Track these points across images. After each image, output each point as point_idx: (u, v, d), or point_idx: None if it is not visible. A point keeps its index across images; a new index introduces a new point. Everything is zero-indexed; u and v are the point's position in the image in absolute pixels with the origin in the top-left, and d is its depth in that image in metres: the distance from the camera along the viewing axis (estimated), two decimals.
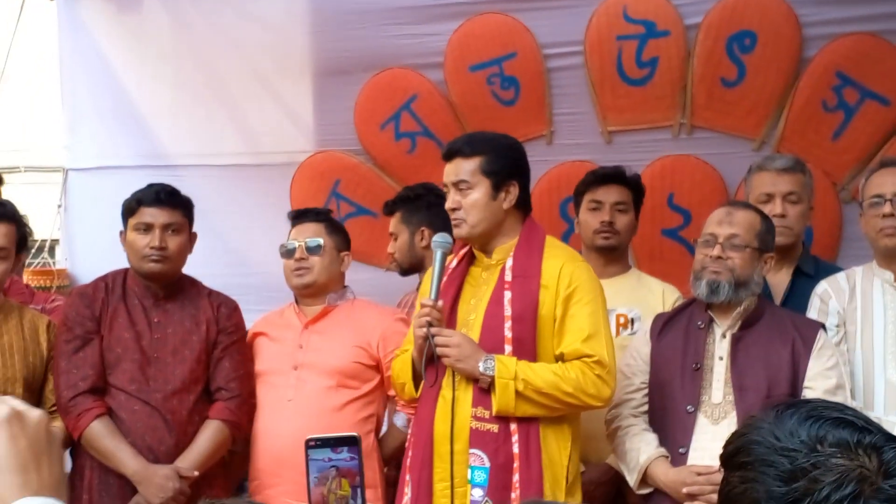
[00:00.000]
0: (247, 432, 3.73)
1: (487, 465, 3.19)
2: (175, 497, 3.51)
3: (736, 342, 3.37)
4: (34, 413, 1.38)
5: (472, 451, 3.21)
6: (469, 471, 3.20)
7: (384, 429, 3.93)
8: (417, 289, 4.15)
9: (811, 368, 3.31)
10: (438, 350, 3.23)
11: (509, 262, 3.31)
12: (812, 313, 3.58)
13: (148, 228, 3.66)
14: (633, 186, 4.09)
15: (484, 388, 3.22)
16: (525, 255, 3.32)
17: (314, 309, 3.85)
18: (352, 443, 1.66)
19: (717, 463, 3.22)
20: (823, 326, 3.44)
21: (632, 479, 3.43)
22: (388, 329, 3.78)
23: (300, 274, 3.81)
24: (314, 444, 1.66)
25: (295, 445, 3.58)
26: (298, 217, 3.97)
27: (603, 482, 3.77)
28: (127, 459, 3.53)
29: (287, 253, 3.85)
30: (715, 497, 3.16)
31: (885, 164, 3.67)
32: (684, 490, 3.27)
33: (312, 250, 3.82)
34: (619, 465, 3.72)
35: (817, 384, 3.28)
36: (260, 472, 3.72)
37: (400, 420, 3.84)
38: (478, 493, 3.18)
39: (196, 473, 3.55)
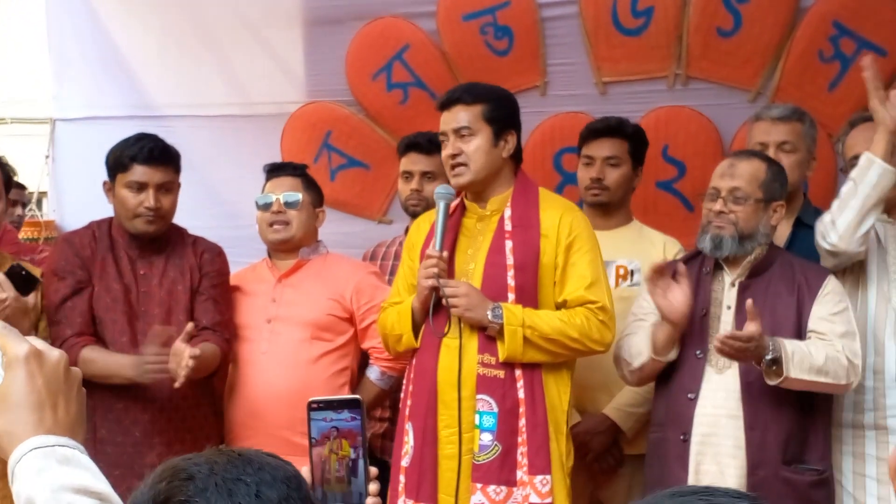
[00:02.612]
0: (227, 367, 3.72)
1: (496, 410, 3.25)
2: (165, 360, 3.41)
3: (742, 291, 3.36)
4: (54, 353, 1.39)
5: (479, 396, 3.26)
6: (477, 416, 3.26)
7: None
8: (398, 242, 4.14)
9: (814, 312, 3.29)
10: (448, 300, 3.26)
11: (507, 212, 3.36)
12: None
13: (141, 188, 3.61)
14: (632, 137, 4.04)
15: (490, 336, 3.27)
16: (523, 206, 3.38)
17: (287, 263, 3.84)
18: (354, 405, 1.65)
19: (719, 412, 3.26)
20: (833, 273, 3.41)
21: (645, 352, 3.37)
22: (362, 282, 3.79)
23: (277, 229, 3.80)
24: (316, 407, 1.64)
25: (269, 398, 3.63)
26: (274, 171, 3.95)
27: (600, 432, 3.79)
28: (123, 360, 3.50)
29: (264, 206, 3.82)
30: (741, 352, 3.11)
31: (853, 123, 3.66)
32: (718, 336, 3.20)
33: (290, 205, 3.80)
34: (616, 416, 3.74)
35: (823, 328, 3.26)
36: (235, 424, 3.74)
37: (374, 373, 3.84)
38: (487, 438, 3.24)
39: (198, 352, 3.39)
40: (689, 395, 3.34)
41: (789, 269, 3.38)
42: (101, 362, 3.51)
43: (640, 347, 3.40)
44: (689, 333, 3.38)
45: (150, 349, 3.48)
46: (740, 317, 3.31)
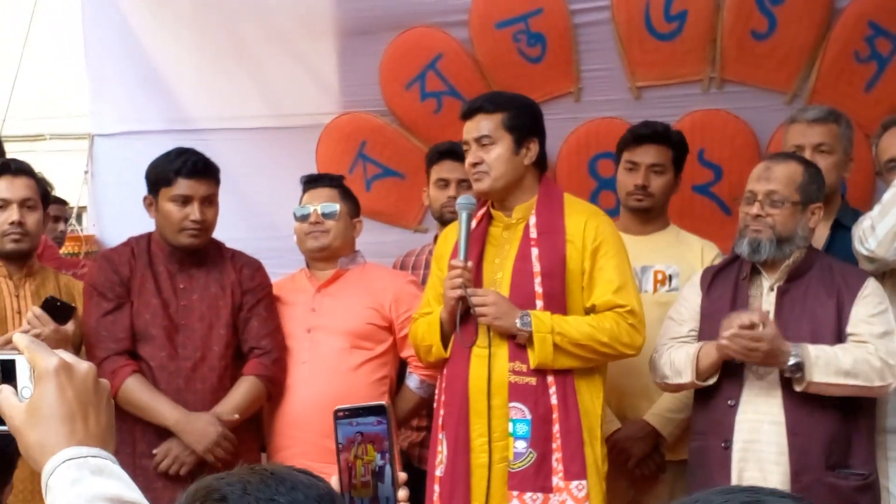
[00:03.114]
0: (282, 387, 3.72)
1: (529, 417, 3.25)
2: (219, 442, 3.51)
3: (781, 295, 3.34)
4: (83, 365, 1.40)
5: (512, 404, 3.26)
6: (510, 424, 3.26)
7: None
8: (428, 251, 4.15)
9: (854, 314, 3.26)
10: (476, 309, 3.27)
11: (532, 220, 3.38)
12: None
13: (186, 201, 3.64)
14: (675, 144, 4.02)
15: (520, 344, 3.27)
16: (547, 212, 3.39)
17: (326, 273, 3.86)
18: (379, 411, 1.64)
19: (761, 417, 3.22)
20: (872, 275, 3.37)
21: (688, 374, 3.35)
22: (400, 291, 3.80)
23: (316, 236, 3.81)
24: (342, 415, 1.64)
25: (310, 407, 3.64)
26: (312, 182, 3.97)
27: (640, 438, 3.76)
28: (166, 410, 3.53)
29: (302, 217, 3.85)
30: (750, 351, 3.11)
31: (886, 125, 3.63)
32: (724, 334, 3.21)
33: (328, 215, 3.82)
34: (656, 422, 3.72)
35: (860, 329, 3.24)
36: (276, 434, 3.75)
37: (413, 382, 3.84)
38: (521, 445, 3.24)
39: (237, 417, 3.54)
40: (730, 402, 3.32)
41: (828, 272, 3.35)
42: (145, 396, 3.54)
43: (681, 366, 3.37)
44: None
45: (204, 424, 3.52)
46: (780, 321, 3.28)
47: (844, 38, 4.61)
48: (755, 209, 3.33)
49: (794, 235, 3.33)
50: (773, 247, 3.31)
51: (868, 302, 3.28)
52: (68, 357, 1.40)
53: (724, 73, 4.77)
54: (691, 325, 3.47)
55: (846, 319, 3.27)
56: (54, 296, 3.50)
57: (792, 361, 3.16)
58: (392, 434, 1.64)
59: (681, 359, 3.38)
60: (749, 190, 3.39)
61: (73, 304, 3.54)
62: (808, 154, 3.68)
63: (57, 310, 3.43)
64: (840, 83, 4.64)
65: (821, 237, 3.73)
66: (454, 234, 3.50)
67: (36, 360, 1.38)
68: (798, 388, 3.19)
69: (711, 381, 3.35)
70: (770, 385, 3.29)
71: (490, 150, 3.37)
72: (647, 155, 3.95)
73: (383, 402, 1.68)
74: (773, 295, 3.36)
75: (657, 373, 3.48)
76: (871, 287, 3.30)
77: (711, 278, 3.50)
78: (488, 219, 3.47)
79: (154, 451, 3.54)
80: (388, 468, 1.62)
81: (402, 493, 1.66)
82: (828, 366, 3.14)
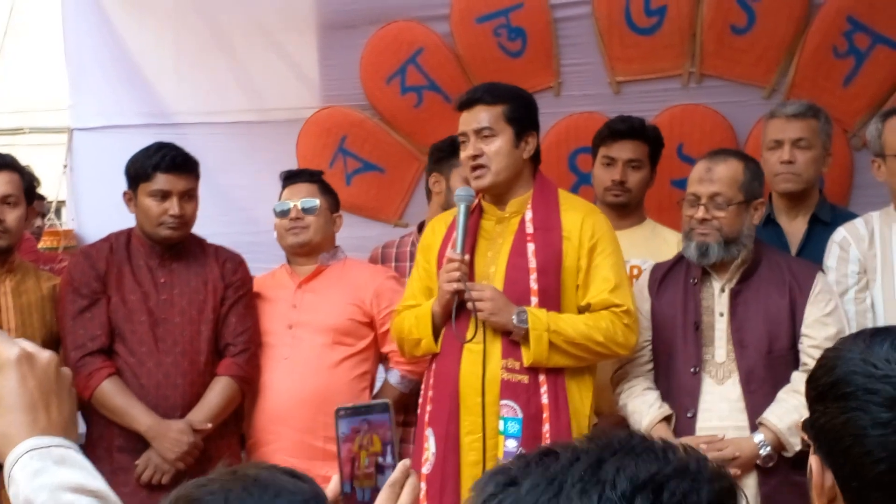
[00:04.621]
0: (256, 386, 3.73)
1: (520, 416, 3.21)
2: (190, 451, 3.52)
3: (734, 297, 3.34)
4: (44, 354, 1.40)
5: (503, 402, 3.22)
6: (501, 422, 3.22)
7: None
8: (410, 242, 4.13)
9: (808, 315, 3.27)
10: (474, 304, 3.21)
11: (528, 215, 3.33)
12: (831, 261, 3.51)
13: (165, 196, 3.64)
14: (651, 140, 4.03)
15: (514, 341, 3.24)
16: (543, 207, 3.34)
17: (307, 269, 3.86)
18: (382, 409, 1.63)
19: (724, 423, 3.23)
20: (822, 269, 3.39)
21: (642, 425, 3.41)
22: (381, 286, 3.80)
23: (296, 232, 3.81)
24: (344, 414, 1.63)
25: (291, 403, 3.65)
26: (291, 178, 3.97)
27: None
28: (140, 416, 3.54)
29: (282, 213, 3.85)
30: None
31: (887, 115, 3.61)
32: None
33: (308, 211, 3.82)
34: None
35: (815, 332, 3.25)
36: (256, 429, 3.75)
37: (394, 377, 3.85)
38: (512, 444, 3.21)
39: (210, 426, 3.56)
40: (688, 414, 3.32)
41: (777, 269, 3.35)
42: (120, 401, 3.55)
43: (639, 416, 3.38)
44: (683, 348, 3.36)
45: (176, 433, 3.52)
46: (734, 323, 3.30)
47: (823, 33, 4.63)
48: (700, 212, 3.32)
49: (741, 235, 3.32)
50: (721, 249, 3.30)
51: (820, 300, 3.29)
52: (29, 346, 1.40)
53: (703, 67, 4.78)
54: (644, 335, 3.46)
55: (800, 318, 3.28)
56: None
57: (764, 453, 3.19)
58: (394, 430, 1.63)
59: (635, 420, 3.39)
60: (691, 192, 3.37)
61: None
62: (786, 149, 3.69)
63: None
64: (818, 78, 4.65)
65: (799, 232, 3.76)
66: (442, 224, 3.48)
67: None
68: (789, 454, 3.21)
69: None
70: (730, 389, 3.29)
71: (491, 142, 3.30)
72: (623, 150, 3.96)
73: (387, 401, 1.67)
74: (726, 296, 3.36)
75: (617, 402, 3.51)
76: (821, 283, 3.32)
77: (660, 281, 3.49)
78: (479, 211, 3.41)
79: (136, 463, 3.55)
80: (389, 459, 1.61)
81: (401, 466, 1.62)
82: (792, 426, 3.12)
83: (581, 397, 3.29)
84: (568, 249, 3.29)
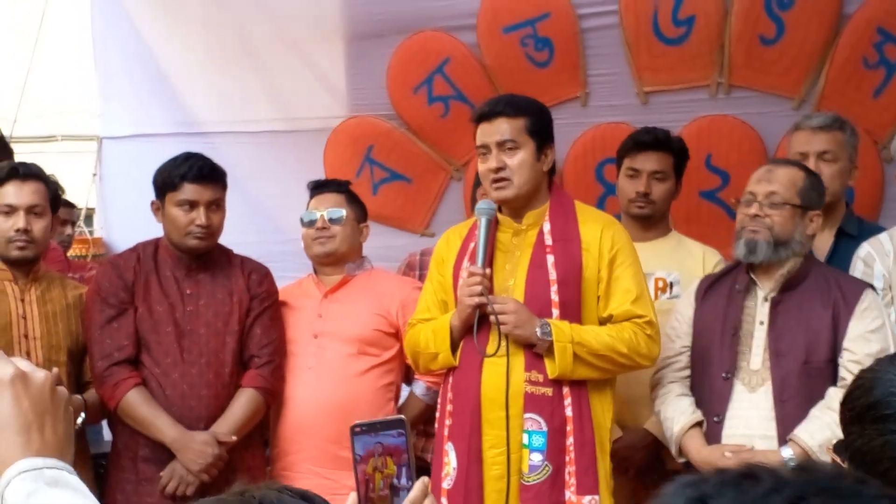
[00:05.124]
0: (281, 398, 3.74)
1: (545, 428, 3.20)
2: (214, 463, 3.53)
3: (775, 305, 3.30)
4: (39, 374, 1.39)
5: (527, 415, 3.20)
6: (526, 435, 3.20)
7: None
8: (421, 253, 4.13)
9: (851, 330, 3.21)
10: (498, 317, 3.19)
11: (547, 227, 3.31)
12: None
13: (192, 206, 3.65)
14: (676, 151, 4.01)
15: (537, 353, 3.22)
16: (561, 219, 3.33)
17: (333, 279, 3.87)
18: (398, 425, 1.63)
19: (752, 432, 3.20)
20: (872, 286, 3.34)
21: (672, 449, 3.42)
22: (407, 297, 3.79)
23: (322, 242, 3.82)
24: (360, 431, 1.62)
25: (315, 413, 3.65)
26: (318, 188, 3.98)
27: (641, 447, 3.75)
28: (165, 427, 3.54)
29: (308, 223, 3.86)
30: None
31: None
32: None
33: (335, 221, 3.83)
34: (657, 431, 3.71)
35: (858, 347, 3.18)
36: (281, 438, 3.75)
37: (419, 388, 3.85)
38: (537, 458, 3.19)
39: (234, 439, 3.57)
40: (715, 419, 3.30)
41: (825, 283, 3.30)
42: (145, 411, 3.55)
43: (671, 422, 3.38)
44: (719, 353, 3.34)
45: (200, 444, 3.54)
46: (773, 333, 3.26)
47: (853, 44, 4.59)
48: (754, 209, 3.30)
49: (792, 240, 3.29)
50: (769, 249, 3.27)
51: (866, 316, 3.23)
52: (25, 366, 1.38)
53: (731, 78, 4.75)
54: (684, 340, 3.46)
55: (843, 333, 3.23)
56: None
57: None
58: (410, 448, 1.62)
59: (668, 426, 3.39)
60: (749, 191, 3.35)
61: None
62: (811, 162, 3.66)
63: None
64: (848, 89, 4.61)
65: (825, 245, 3.72)
66: (457, 237, 3.47)
67: None
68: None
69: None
70: (761, 398, 3.26)
71: (514, 154, 3.28)
72: (648, 162, 3.94)
73: (402, 417, 1.66)
74: (767, 305, 3.32)
75: (654, 408, 3.50)
76: (868, 299, 3.26)
77: (706, 288, 3.47)
78: (495, 224, 3.38)
79: (161, 474, 3.56)
80: (405, 481, 1.60)
81: (428, 501, 1.62)
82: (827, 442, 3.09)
83: (603, 410, 3.28)
84: (588, 261, 3.28)
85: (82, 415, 3.45)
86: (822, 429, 3.10)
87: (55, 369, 1.52)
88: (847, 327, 3.22)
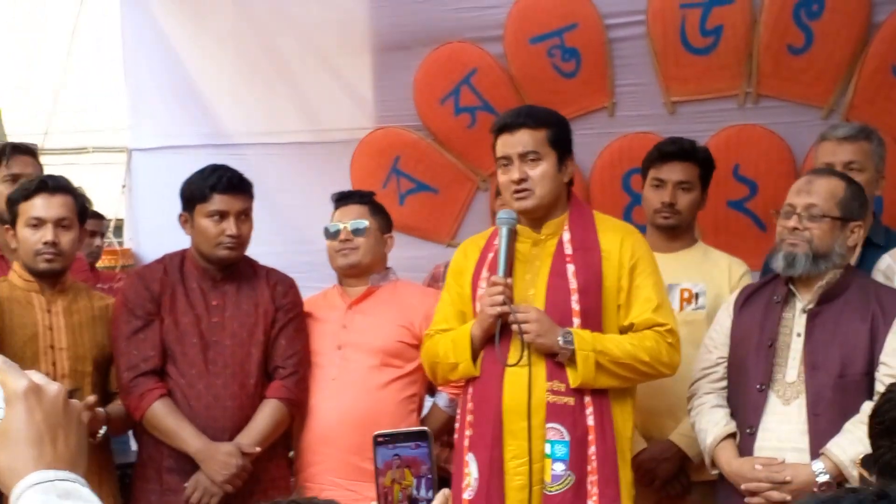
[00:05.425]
0: (305, 409, 3.74)
1: (567, 438, 3.18)
2: (238, 474, 3.54)
3: (813, 318, 3.25)
4: (52, 387, 1.39)
5: (549, 425, 3.19)
6: (548, 445, 3.18)
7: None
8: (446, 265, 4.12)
9: (889, 344, 3.15)
10: (520, 326, 3.19)
11: (566, 236, 3.32)
12: None
13: (223, 216, 3.66)
14: (702, 161, 3.98)
15: (558, 363, 3.21)
16: (581, 228, 3.33)
17: (357, 290, 3.87)
18: (420, 437, 1.62)
19: (784, 445, 3.17)
20: None
21: (706, 460, 3.39)
22: (431, 309, 3.75)
23: (345, 254, 3.83)
24: (382, 441, 1.62)
25: (338, 424, 3.65)
26: (342, 199, 3.99)
27: (665, 458, 3.72)
28: (189, 438, 3.56)
29: (332, 235, 3.87)
30: (775, 494, 3.12)
31: None
32: (743, 487, 3.21)
33: (358, 232, 3.83)
34: (682, 442, 3.68)
35: (893, 361, 3.14)
36: (304, 449, 3.75)
37: (442, 400, 3.84)
38: (559, 468, 3.17)
39: (258, 450, 3.57)
40: (748, 430, 3.27)
41: (864, 295, 3.24)
42: (170, 422, 3.57)
43: (705, 434, 3.36)
44: (755, 364, 3.30)
45: (224, 455, 3.54)
46: (810, 345, 3.22)
47: (882, 53, 4.55)
48: (793, 222, 3.25)
49: (832, 252, 3.23)
50: (808, 262, 3.22)
51: None
52: (39, 378, 1.39)
53: (759, 87, 4.72)
54: (721, 351, 3.42)
55: (880, 347, 3.17)
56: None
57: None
58: (432, 460, 1.62)
59: (702, 438, 3.37)
60: (788, 203, 3.31)
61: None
62: None
63: None
64: (878, 98, 4.58)
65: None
66: (475, 249, 3.46)
67: (6, 381, 1.37)
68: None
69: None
70: (794, 411, 3.21)
71: (536, 166, 3.29)
72: (673, 172, 3.91)
73: (425, 429, 1.66)
74: (805, 317, 3.28)
75: (689, 418, 3.48)
76: None
77: (745, 299, 3.43)
78: (514, 234, 3.38)
79: (185, 485, 3.57)
80: (424, 492, 1.60)
81: (441, 497, 1.61)
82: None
83: (624, 419, 3.27)
84: (608, 270, 3.28)
85: (104, 427, 3.49)
86: (854, 443, 3.05)
87: (60, 370, 1.52)
88: (885, 341, 3.17)
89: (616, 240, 3.31)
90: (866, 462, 1.44)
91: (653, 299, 3.28)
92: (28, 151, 4.20)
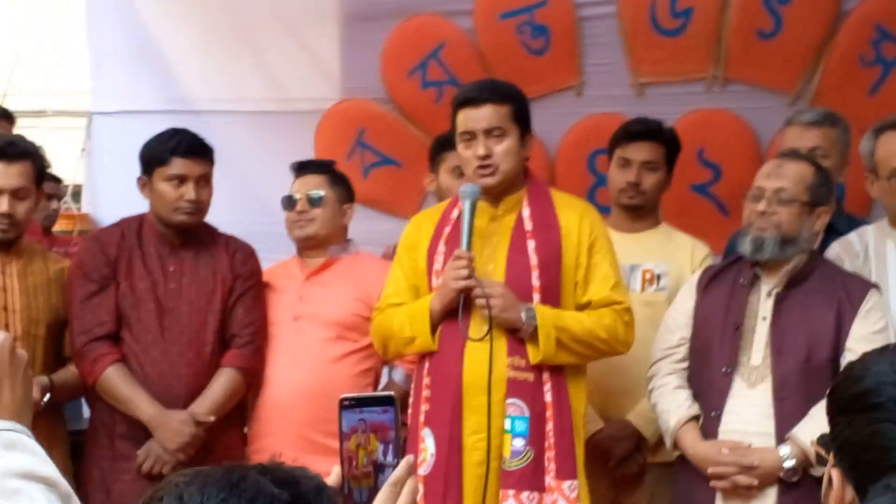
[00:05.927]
0: (261, 377, 3.71)
1: (527, 414, 3.18)
2: (191, 442, 3.50)
3: (779, 302, 3.25)
4: None
5: (510, 400, 3.19)
6: (508, 420, 3.18)
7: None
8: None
9: (855, 330, 3.17)
10: (487, 301, 3.16)
11: (526, 212, 3.31)
12: None
13: (182, 180, 3.61)
14: (668, 142, 3.98)
15: (519, 338, 3.21)
16: (539, 205, 3.33)
17: (316, 261, 3.82)
18: (387, 402, 1.60)
19: (749, 429, 3.18)
20: (877, 286, 3.28)
21: (667, 442, 3.39)
22: None
23: (301, 225, 3.79)
24: (348, 405, 1.60)
25: (291, 396, 3.61)
26: (301, 169, 3.94)
27: (622, 438, 3.72)
28: (143, 405, 3.52)
29: (289, 205, 3.83)
30: (742, 478, 3.12)
31: (883, 128, 3.51)
32: (710, 471, 3.22)
33: (314, 202, 3.79)
34: (639, 422, 3.69)
35: (861, 348, 3.11)
36: (257, 420, 3.72)
37: (398, 375, 3.80)
38: (519, 443, 3.17)
39: (212, 419, 3.54)
40: (712, 413, 3.27)
41: (829, 281, 3.25)
42: (123, 389, 3.53)
43: (667, 416, 3.36)
44: (719, 348, 3.29)
45: (178, 424, 3.51)
46: (776, 329, 3.22)
47: (850, 41, 4.57)
48: (762, 206, 3.24)
49: (799, 237, 3.24)
50: (776, 246, 3.22)
51: (870, 317, 3.19)
52: None
53: (727, 71, 4.73)
54: (683, 332, 3.42)
55: (846, 333, 3.18)
56: None
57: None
58: (398, 426, 1.59)
59: (664, 419, 3.37)
60: (757, 186, 3.30)
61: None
62: None
63: None
64: (844, 86, 4.59)
65: None
66: (428, 222, 3.43)
67: None
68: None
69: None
70: (760, 395, 3.21)
71: (501, 141, 3.27)
72: (639, 152, 3.90)
73: (391, 393, 1.64)
74: (771, 301, 3.28)
75: (650, 400, 3.47)
76: (873, 300, 3.21)
77: (709, 281, 3.42)
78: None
79: (137, 453, 3.53)
80: (390, 458, 1.57)
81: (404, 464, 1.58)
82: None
83: (578, 397, 3.27)
84: (567, 247, 3.28)
85: (48, 395, 3.44)
86: (821, 428, 3.06)
87: (12, 333, 1.50)
88: (851, 327, 3.18)
89: (575, 217, 3.31)
90: (823, 441, 1.45)
91: (610, 277, 3.29)
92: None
